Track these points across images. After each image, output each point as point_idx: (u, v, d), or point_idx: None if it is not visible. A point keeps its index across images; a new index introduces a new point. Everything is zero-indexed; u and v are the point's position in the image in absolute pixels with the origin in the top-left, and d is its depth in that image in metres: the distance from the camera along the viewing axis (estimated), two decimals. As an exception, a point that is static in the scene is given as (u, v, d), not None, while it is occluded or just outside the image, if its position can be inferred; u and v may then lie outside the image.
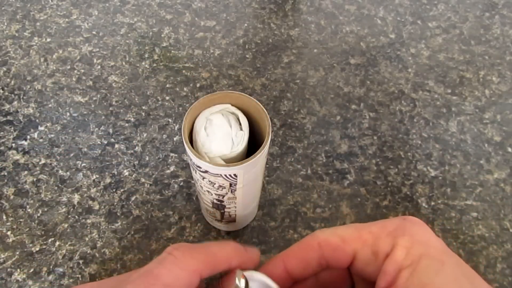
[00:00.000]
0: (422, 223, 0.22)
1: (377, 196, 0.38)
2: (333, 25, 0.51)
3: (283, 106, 0.43)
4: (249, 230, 0.35)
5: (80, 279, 0.33)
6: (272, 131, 0.30)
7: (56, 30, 0.49)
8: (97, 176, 0.38)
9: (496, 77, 0.47)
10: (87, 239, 0.34)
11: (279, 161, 0.39)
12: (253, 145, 0.28)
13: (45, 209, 0.36)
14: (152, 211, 0.36)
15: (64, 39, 0.48)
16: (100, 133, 0.40)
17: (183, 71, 0.46)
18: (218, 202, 0.29)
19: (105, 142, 0.40)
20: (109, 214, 0.36)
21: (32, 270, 0.33)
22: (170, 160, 0.39)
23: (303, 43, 0.49)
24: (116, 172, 0.38)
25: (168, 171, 0.38)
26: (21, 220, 0.35)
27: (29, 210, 0.36)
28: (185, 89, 0.44)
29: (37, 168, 0.38)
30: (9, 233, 0.34)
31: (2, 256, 0.33)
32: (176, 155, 0.39)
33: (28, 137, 0.40)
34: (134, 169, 0.38)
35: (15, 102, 0.42)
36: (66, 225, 0.35)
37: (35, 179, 0.37)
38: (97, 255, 0.34)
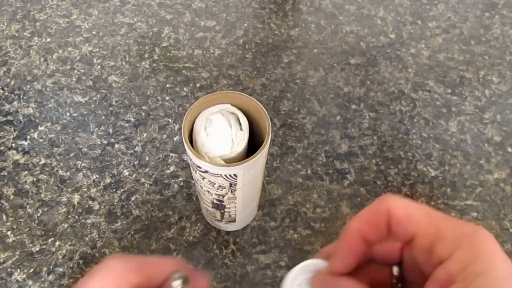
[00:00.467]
0: (493, 240, 0.21)
1: (377, 196, 0.38)
2: (333, 25, 0.51)
3: (283, 106, 0.43)
4: (249, 230, 0.35)
5: (80, 279, 0.32)
6: (272, 131, 0.30)
7: (56, 30, 0.49)
8: (97, 176, 0.38)
9: (496, 77, 0.47)
10: (87, 239, 0.34)
11: (279, 161, 0.39)
12: (253, 145, 0.28)
13: (45, 209, 0.36)
14: (152, 211, 0.36)
15: (64, 39, 0.48)
16: (100, 133, 0.40)
17: (183, 71, 0.46)
18: (218, 202, 0.29)
19: (105, 142, 0.40)
20: (109, 214, 0.36)
21: (32, 270, 0.33)
22: (170, 160, 0.39)
23: (303, 43, 0.49)
24: (116, 172, 0.38)
25: (168, 171, 0.38)
26: (21, 220, 0.35)
27: (29, 210, 0.36)
28: (185, 89, 0.44)
29: (37, 168, 0.38)
30: (9, 233, 0.34)
31: (2, 256, 0.33)
32: (176, 155, 0.39)
33: (28, 137, 0.40)
34: (134, 169, 0.38)
35: (15, 102, 0.42)
36: (66, 225, 0.35)
37: (35, 179, 0.37)
38: (97, 255, 0.34)
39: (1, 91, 0.43)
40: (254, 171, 0.26)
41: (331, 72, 0.46)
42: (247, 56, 0.47)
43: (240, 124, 0.27)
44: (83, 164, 0.38)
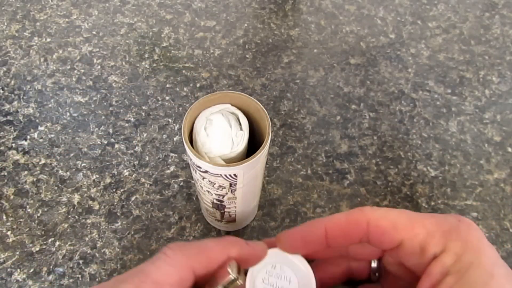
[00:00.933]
0: (477, 227, 0.22)
1: (377, 196, 0.38)
2: (333, 25, 0.51)
3: (283, 106, 0.43)
4: (249, 230, 0.35)
5: (80, 279, 0.33)
6: (272, 131, 0.30)
7: (56, 30, 0.49)
8: (97, 176, 0.38)
9: (496, 77, 0.47)
10: (87, 239, 0.34)
11: (279, 161, 0.39)
12: (253, 145, 0.28)
13: (45, 209, 0.36)
14: (152, 211, 0.36)
15: (64, 39, 0.48)
16: (100, 133, 0.40)
17: (183, 71, 0.46)
18: (218, 202, 0.29)
19: (105, 142, 0.40)
20: (109, 214, 0.36)
21: (32, 270, 0.33)
22: (170, 160, 0.39)
23: (303, 43, 0.49)
24: (116, 172, 0.38)
25: (168, 171, 0.38)
26: (21, 220, 0.35)
27: (29, 210, 0.36)
28: (185, 89, 0.44)
29: (37, 168, 0.38)
30: (9, 233, 0.34)
31: (2, 256, 0.33)
32: (176, 155, 0.39)
33: (28, 137, 0.40)
34: (134, 169, 0.38)
35: (15, 102, 0.42)
36: (66, 225, 0.35)
37: (35, 179, 0.37)
38: (97, 255, 0.34)
39: (1, 91, 0.43)
40: (254, 171, 0.26)
41: (331, 72, 0.46)
42: (247, 56, 0.47)
43: (240, 124, 0.27)
44: (83, 164, 0.38)
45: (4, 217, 0.35)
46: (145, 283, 0.20)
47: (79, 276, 0.33)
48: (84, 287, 0.32)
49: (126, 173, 0.38)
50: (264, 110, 0.26)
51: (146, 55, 0.47)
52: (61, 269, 0.33)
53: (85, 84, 0.44)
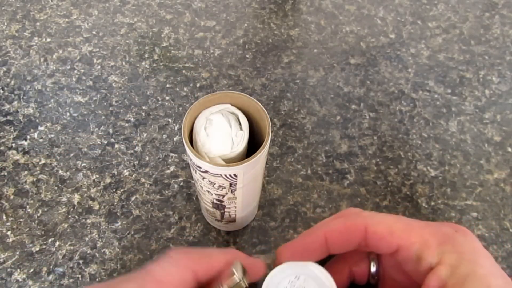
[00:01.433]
0: (473, 237, 0.22)
1: (377, 196, 0.38)
2: (333, 25, 0.51)
3: (283, 106, 0.43)
4: (249, 230, 0.35)
5: (80, 279, 0.33)
6: (272, 131, 0.30)
7: (56, 30, 0.49)
8: (97, 176, 0.38)
9: (496, 77, 0.47)
10: (87, 239, 0.34)
11: (279, 161, 0.39)
12: (253, 145, 0.28)
13: (45, 209, 0.36)
14: (152, 211, 0.36)
15: (64, 39, 0.48)
16: (100, 133, 0.40)
17: (183, 71, 0.46)
18: (218, 202, 0.29)
19: (105, 142, 0.40)
20: (109, 214, 0.36)
21: (32, 270, 0.33)
22: (170, 160, 0.39)
23: (303, 43, 0.49)
24: (116, 172, 0.38)
25: (168, 171, 0.38)
26: (21, 220, 0.35)
27: (29, 210, 0.36)
28: (185, 89, 0.44)
29: (37, 168, 0.38)
30: (9, 233, 0.34)
31: (2, 256, 0.33)
32: (176, 155, 0.39)
33: (28, 137, 0.40)
34: (134, 169, 0.38)
35: (15, 102, 0.42)
36: (66, 225, 0.35)
37: (35, 179, 0.37)
38: (97, 255, 0.34)
39: (1, 91, 0.43)
40: (254, 171, 0.26)
41: (331, 72, 0.46)
42: (247, 56, 0.47)
43: (240, 124, 0.27)
44: (83, 164, 0.38)
45: (4, 217, 0.35)
46: (148, 282, 0.20)
47: (79, 276, 0.33)
48: (84, 287, 0.32)
49: (126, 173, 0.38)
50: (264, 110, 0.26)
51: (146, 55, 0.47)
52: (61, 269, 0.33)
53: (85, 84, 0.44)
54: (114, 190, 0.37)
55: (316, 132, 0.41)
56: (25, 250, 0.34)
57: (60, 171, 0.38)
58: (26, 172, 0.38)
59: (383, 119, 0.43)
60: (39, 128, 0.41)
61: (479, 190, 0.38)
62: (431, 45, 0.50)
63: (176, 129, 0.41)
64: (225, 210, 0.30)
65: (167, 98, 0.43)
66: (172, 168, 0.38)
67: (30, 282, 0.32)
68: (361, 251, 0.25)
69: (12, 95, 0.43)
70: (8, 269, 0.33)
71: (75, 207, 0.36)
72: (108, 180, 0.37)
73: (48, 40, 0.48)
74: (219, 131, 0.26)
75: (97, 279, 0.33)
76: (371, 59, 0.48)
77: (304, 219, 0.36)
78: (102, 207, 0.36)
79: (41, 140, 0.40)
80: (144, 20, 0.50)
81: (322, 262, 0.24)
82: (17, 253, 0.33)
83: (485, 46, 0.50)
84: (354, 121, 0.42)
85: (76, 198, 0.36)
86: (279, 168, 0.39)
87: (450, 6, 0.54)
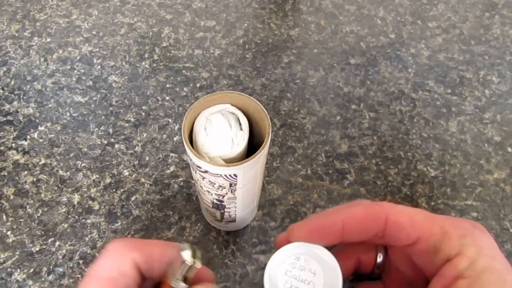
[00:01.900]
0: (489, 235, 0.22)
1: (377, 196, 0.38)
2: (333, 25, 0.51)
3: (283, 106, 0.43)
4: (249, 230, 0.35)
5: (80, 279, 0.33)
6: (272, 131, 0.30)
7: (56, 30, 0.49)
8: (97, 176, 0.38)
9: (496, 77, 0.47)
10: (87, 239, 0.34)
11: (279, 161, 0.39)
12: (253, 145, 0.28)
13: (45, 209, 0.36)
14: (152, 211, 0.36)
15: (64, 39, 0.48)
16: (100, 133, 0.40)
17: (183, 71, 0.46)
18: (218, 202, 0.29)
19: (105, 142, 0.40)
20: (109, 214, 0.36)
21: (32, 270, 0.33)
22: (170, 160, 0.39)
23: (303, 43, 0.49)
24: (116, 172, 0.38)
25: (168, 171, 0.38)
26: (21, 220, 0.35)
27: (29, 210, 0.36)
28: (185, 89, 0.44)
29: (37, 168, 0.38)
30: (9, 233, 0.34)
31: (2, 256, 0.33)
32: (176, 155, 0.39)
33: (28, 137, 0.40)
34: (134, 169, 0.38)
35: (15, 102, 0.42)
36: (66, 225, 0.35)
37: (35, 179, 0.37)
38: (97, 255, 0.34)
39: (1, 91, 0.43)
40: (254, 171, 0.26)
41: (331, 72, 0.46)
42: (247, 56, 0.47)
43: (240, 124, 0.27)
44: (83, 164, 0.38)
45: (4, 217, 0.35)
46: (89, 283, 0.20)
47: (79, 276, 0.33)
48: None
49: (126, 173, 0.38)
50: (264, 110, 0.26)
51: (146, 55, 0.47)
52: (61, 269, 0.33)
53: (85, 84, 0.44)
54: (114, 190, 0.37)
55: (316, 132, 0.41)
56: (25, 250, 0.34)
57: (60, 171, 0.38)
58: (26, 172, 0.38)
59: (383, 119, 0.43)
60: (39, 128, 0.41)
61: (479, 190, 0.38)
62: (431, 45, 0.50)
63: (176, 129, 0.41)
64: (225, 210, 0.30)
65: (167, 98, 0.43)
66: (172, 168, 0.38)
67: (30, 282, 0.32)
68: (371, 241, 0.24)
69: (12, 95, 0.43)
70: (8, 269, 0.33)
71: (75, 207, 0.36)
72: (108, 180, 0.37)
73: (48, 40, 0.48)
74: (219, 131, 0.26)
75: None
76: (371, 59, 0.48)
77: (304, 219, 0.36)
78: (102, 207, 0.36)
79: (41, 140, 0.40)
80: (144, 20, 0.50)
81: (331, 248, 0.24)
82: (17, 253, 0.33)
83: (485, 46, 0.50)
84: (354, 121, 0.42)
85: (76, 198, 0.36)
86: (279, 168, 0.39)
87: (450, 6, 0.54)
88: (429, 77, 0.47)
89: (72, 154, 0.39)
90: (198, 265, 0.20)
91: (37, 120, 0.41)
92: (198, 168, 0.25)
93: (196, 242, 0.34)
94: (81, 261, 0.33)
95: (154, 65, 0.46)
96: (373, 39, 0.50)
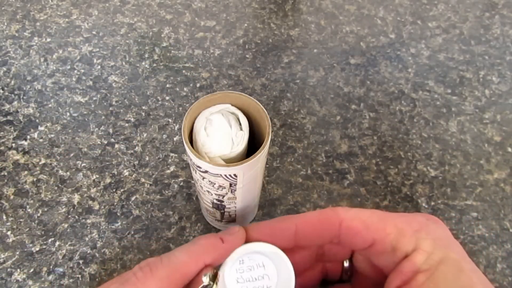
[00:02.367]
0: (443, 225, 0.22)
1: (377, 196, 0.38)
2: (333, 25, 0.51)
3: (283, 106, 0.43)
4: (249, 230, 0.35)
5: (80, 279, 0.33)
6: (272, 131, 0.30)
7: (56, 30, 0.49)
8: (97, 176, 0.38)
9: (496, 77, 0.47)
10: (87, 239, 0.34)
11: (279, 161, 0.39)
12: (253, 145, 0.28)
13: (45, 209, 0.36)
14: (152, 211, 0.36)
15: (64, 39, 0.48)
16: (100, 133, 0.40)
17: (183, 71, 0.46)
18: (218, 202, 0.29)
19: (105, 142, 0.40)
20: (109, 214, 0.36)
21: (32, 270, 0.33)
22: (170, 160, 0.39)
23: (303, 43, 0.49)
24: (116, 172, 0.38)
25: (168, 171, 0.38)
26: (21, 220, 0.35)
27: (29, 210, 0.36)
28: (185, 89, 0.44)
29: (37, 168, 0.38)
30: (9, 233, 0.34)
31: (2, 256, 0.33)
32: (176, 155, 0.39)
33: (28, 137, 0.40)
34: (134, 169, 0.38)
35: (15, 102, 0.42)
36: (66, 225, 0.35)
37: (35, 179, 0.37)
38: (97, 255, 0.34)
39: (1, 91, 0.43)
40: (254, 171, 0.26)
41: (331, 72, 0.46)
42: (247, 56, 0.47)
43: (240, 124, 0.27)
44: (83, 164, 0.38)
45: (4, 217, 0.35)
46: None
47: (79, 276, 0.33)
48: (84, 287, 0.32)
49: (126, 173, 0.38)
50: (264, 110, 0.26)
51: (146, 55, 0.47)
52: (61, 269, 0.33)
53: (85, 84, 0.44)
54: (114, 190, 0.37)
55: (316, 132, 0.41)
56: (25, 250, 0.34)
57: (60, 171, 0.38)
58: (26, 172, 0.38)
59: (383, 119, 0.43)
60: (39, 128, 0.41)
61: (479, 190, 0.38)
62: (431, 45, 0.50)
63: (176, 129, 0.41)
64: (225, 210, 0.30)
65: (167, 98, 0.43)
66: (172, 168, 0.38)
67: (30, 282, 0.32)
68: (334, 246, 0.25)
69: (12, 95, 0.43)
70: (8, 269, 0.33)
71: (75, 207, 0.36)
72: (108, 180, 0.37)
73: (48, 40, 0.48)
74: (219, 131, 0.26)
75: (97, 279, 0.33)
76: (371, 59, 0.48)
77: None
78: (102, 207, 0.36)
79: (41, 140, 0.40)
80: (144, 20, 0.50)
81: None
82: (17, 253, 0.33)
83: (485, 46, 0.50)
84: (354, 121, 0.42)
85: (76, 198, 0.36)
86: (279, 168, 0.39)
87: (450, 6, 0.54)
88: (429, 77, 0.47)
89: (72, 154, 0.39)
90: (214, 287, 0.21)
91: (37, 120, 0.41)
92: (198, 168, 0.25)
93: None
94: (81, 261, 0.33)
95: (154, 65, 0.46)
96: (373, 39, 0.50)
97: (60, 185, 0.37)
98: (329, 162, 0.39)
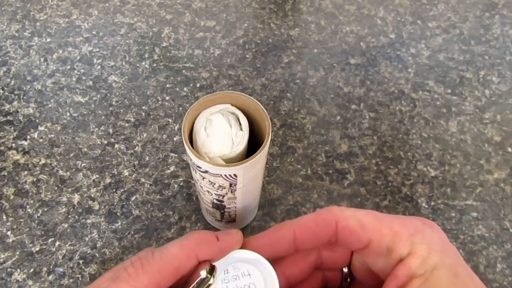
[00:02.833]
0: (440, 230, 0.22)
1: (377, 196, 0.38)
2: (333, 25, 0.51)
3: (283, 106, 0.43)
4: (249, 230, 0.35)
5: (80, 279, 0.33)
6: (272, 131, 0.30)
7: (56, 30, 0.49)
8: (97, 176, 0.38)
9: (496, 77, 0.47)
10: (87, 239, 0.34)
11: (279, 161, 0.39)
12: (253, 145, 0.28)
13: (45, 209, 0.36)
14: (152, 211, 0.36)
15: (64, 39, 0.48)
16: (100, 133, 0.40)
17: (183, 71, 0.46)
18: (218, 202, 0.29)
19: (105, 142, 0.40)
20: (109, 214, 0.36)
21: (32, 270, 0.33)
22: (170, 160, 0.39)
23: (303, 43, 0.49)
24: (116, 172, 0.38)
25: (168, 171, 0.38)
26: (21, 220, 0.35)
27: (29, 210, 0.36)
28: (185, 89, 0.44)
29: (37, 168, 0.38)
30: (9, 233, 0.34)
31: (2, 256, 0.33)
32: (176, 155, 0.39)
33: (28, 137, 0.40)
34: (134, 169, 0.38)
35: (15, 102, 0.42)
36: (66, 225, 0.35)
37: (35, 179, 0.37)
38: (97, 255, 0.34)
39: (1, 91, 0.43)
40: (254, 171, 0.26)
41: (331, 72, 0.46)
42: (247, 56, 0.47)
43: (240, 124, 0.27)
44: (83, 164, 0.38)
45: (4, 217, 0.35)
46: None
47: (79, 276, 0.33)
48: (84, 287, 0.32)
49: (126, 173, 0.38)
50: (264, 110, 0.26)
51: (146, 55, 0.47)
52: (61, 269, 0.33)
53: (85, 84, 0.44)
54: (114, 190, 0.37)
55: (316, 132, 0.41)
56: (25, 250, 0.34)
57: (60, 171, 0.38)
58: (26, 172, 0.38)
59: (383, 119, 0.43)
60: (39, 128, 0.41)
61: (479, 190, 0.38)
62: (431, 45, 0.50)
63: (176, 129, 0.41)
64: (225, 210, 0.30)
65: (167, 98, 0.43)
66: (172, 168, 0.38)
67: (30, 282, 0.32)
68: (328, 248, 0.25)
69: (12, 95, 0.43)
70: (8, 269, 0.33)
71: (75, 207, 0.36)
72: (108, 180, 0.37)
73: (48, 40, 0.48)
74: (219, 131, 0.26)
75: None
76: (371, 59, 0.48)
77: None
78: (102, 207, 0.36)
79: (41, 140, 0.40)
80: (144, 20, 0.50)
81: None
82: (17, 253, 0.33)
83: (485, 46, 0.50)
84: (354, 121, 0.42)
85: (76, 198, 0.36)
86: (279, 168, 0.39)
87: (450, 6, 0.54)
88: (429, 77, 0.47)
89: (72, 154, 0.39)
90: (211, 280, 0.21)
91: (37, 120, 0.41)
92: (198, 168, 0.25)
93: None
94: (81, 261, 0.33)
95: (154, 65, 0.46)
96: (373, 39, 0.50)
97: (60, 185, 0.37)
98: (329, 162, 0.39)
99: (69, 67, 0.45)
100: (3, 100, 0.42)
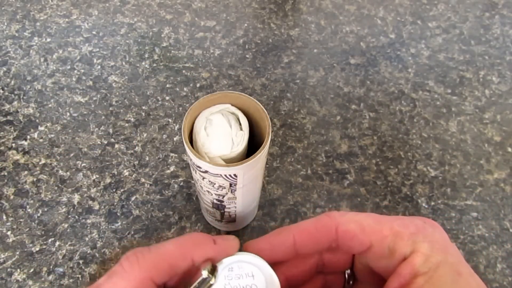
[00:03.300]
0: (441, 228, 0.22)
1: (377, 196, 0.38)
2: (333, 25, 0.51)
3: (283, 106, 0.43)
4: (249, 230, 0.35)
5: (80, 279, 0.33)
6: (272, 131, 0.30)
7: (56, 30, 0.49)
8: (97, 176, 0.38)
9: (496, 77, 0.47)
10: (87, 239, 0.34)
11: (279, 161, 0.39)
12: (253, 145, 0.28)
13: (45, 209, 0.36)
14: (152, 211, 0.36)
15: (64, 39, 0.48)
16: (100, 133, 0.40)
17: (183, 71, 0.46)
18: (218, 202, 0.29)
19: (105, 142, 0.40)
20: (109, 214, 0.36)
21: (32, 270, 0.33)
22: (170, 160, 0.39)
23: (303, 43, 0.49)
24: (116, 172, 0.38)
25: (168, 171, 0.38)
26: (21, 220, 0.35)
27: (29, 210, 0.36)
28: (185, 89, 0.44)
29: (37, 168, 0.38)
30: (9, 233, 0.34)
31: (2, 256, 0.33)
32: (176, 155, 0.39)
33: (28, 137, 0.40)
34: (134, 169, 0.38)
35: (15, 102, 0.42)
36: (66, 225, 0.35)
37: (35, 179, 0.37)
38: (97, 255, 0.34)
39: (1, 91, 0.43)
40: (254, 171, 0.26)
41: (331, 72, 0.46)
42: (247, 56, 0.47)
43: (240, 124, 0.27)
44: (83, 164, 0.38)
45: (4, 217, 0.35)
46: None
47: (79, 276, 0.33)
48: (84, 287, 0.32)
49: (126, 173, 0.38)
50: (264, 110, 0.26)
51: (146, 55, 0.47)
52: (61, 269, 0.33)
53: (85, 84, 0.44)
54: (114, 190, 0.37)
55: (316, 132, 0.41)
56: (25, 250, 0.34)
57: (60, 171, 0.38)
58: (26, 172, 0.38)
59: (383, 119, 0.43)
60: (39, 128, 0.41)
61: (479, 190, 0.38)
62: (431, 45, 0.50)
63: (176, 129, 0.41)
64: (225, 210, 0.30)
65: (167, 98, 0.43)
66: (172, 168, 0.38)
67: (30, 282, 0.32)
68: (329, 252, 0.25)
69: (12, 95, 0.43)
70: (8, 269, 0.33)
71: (75, 207, 0.36)
72: (108, 180, 0.37)
73: (48, 40, 0.48)
74: (219, 131, 0.26)
75: (97, 279, 0.33)
76: (371, 59, 0.48)
77: (304, 219, 0.36)
78: (102, 207, 0.36)
79: (41, 140, 0.40)
80: (144, 20, 0.50)
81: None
82: (17, 253, 0.33)
83: (485, 46, 0.50)
84: (354, 121, 0.42)
85: (76, 198, 0.36)
86: (279, 168, 0.39)
87: (450, 6, 0.54)
88: (429, 77, 0.47)
89: (72, 154, 0.39)
90: (213, 280, 0.21)
91: (37, 120, 0.41)
92: (198, 168, 0.25)
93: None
94: (81, 261, 0.33)
95: (154, 65, 0.46)
96: (373, 39, 0.50)
97: (60, 185, 0.37)
98: (329, 162, 0.39)
99: (69, 67, 0.45)
100: (3, 100, 0.42)
